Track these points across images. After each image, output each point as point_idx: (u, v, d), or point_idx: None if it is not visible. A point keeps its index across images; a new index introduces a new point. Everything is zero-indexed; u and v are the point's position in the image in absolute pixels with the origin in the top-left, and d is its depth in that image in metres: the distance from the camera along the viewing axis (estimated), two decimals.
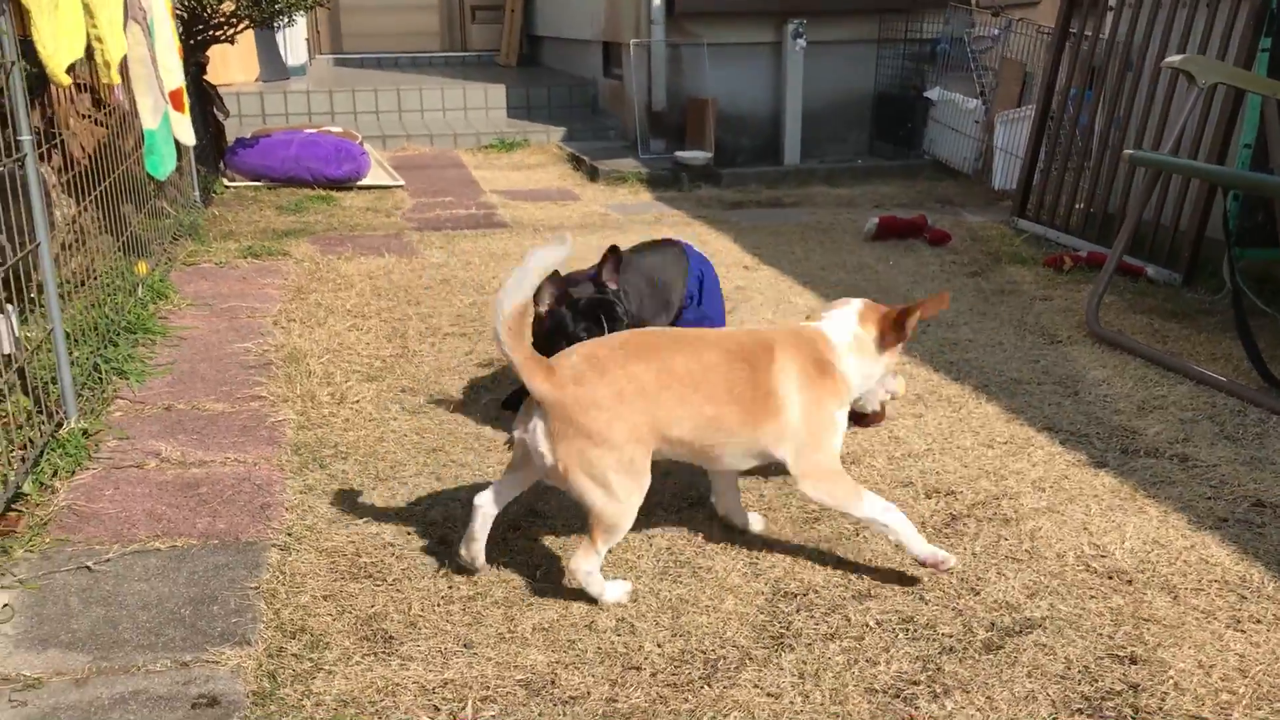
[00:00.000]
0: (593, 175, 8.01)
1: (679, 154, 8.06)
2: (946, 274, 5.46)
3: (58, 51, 3.29)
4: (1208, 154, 5.20)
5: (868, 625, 2.46)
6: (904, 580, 2.65)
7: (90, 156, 4.32)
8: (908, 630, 2.44)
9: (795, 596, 2.57)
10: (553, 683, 2.23)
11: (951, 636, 2.42)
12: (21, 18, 3.17)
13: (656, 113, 8.46)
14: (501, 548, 2.74)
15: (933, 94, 8.24)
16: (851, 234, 6.31)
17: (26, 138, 3.17)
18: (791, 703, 2.18)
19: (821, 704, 2.18)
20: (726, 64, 8.43)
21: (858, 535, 2.85)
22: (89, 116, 4.68)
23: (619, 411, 2.39)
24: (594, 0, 9.53)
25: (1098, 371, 4.09)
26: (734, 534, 2.85)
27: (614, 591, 2.51)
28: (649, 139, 8.45)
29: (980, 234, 6.31)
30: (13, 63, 3.09)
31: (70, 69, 3.41)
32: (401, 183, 7.60)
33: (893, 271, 5.50)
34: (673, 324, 3.57)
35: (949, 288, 5.19)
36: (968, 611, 2.52)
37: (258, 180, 7.34)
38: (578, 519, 2.71)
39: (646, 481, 2.47)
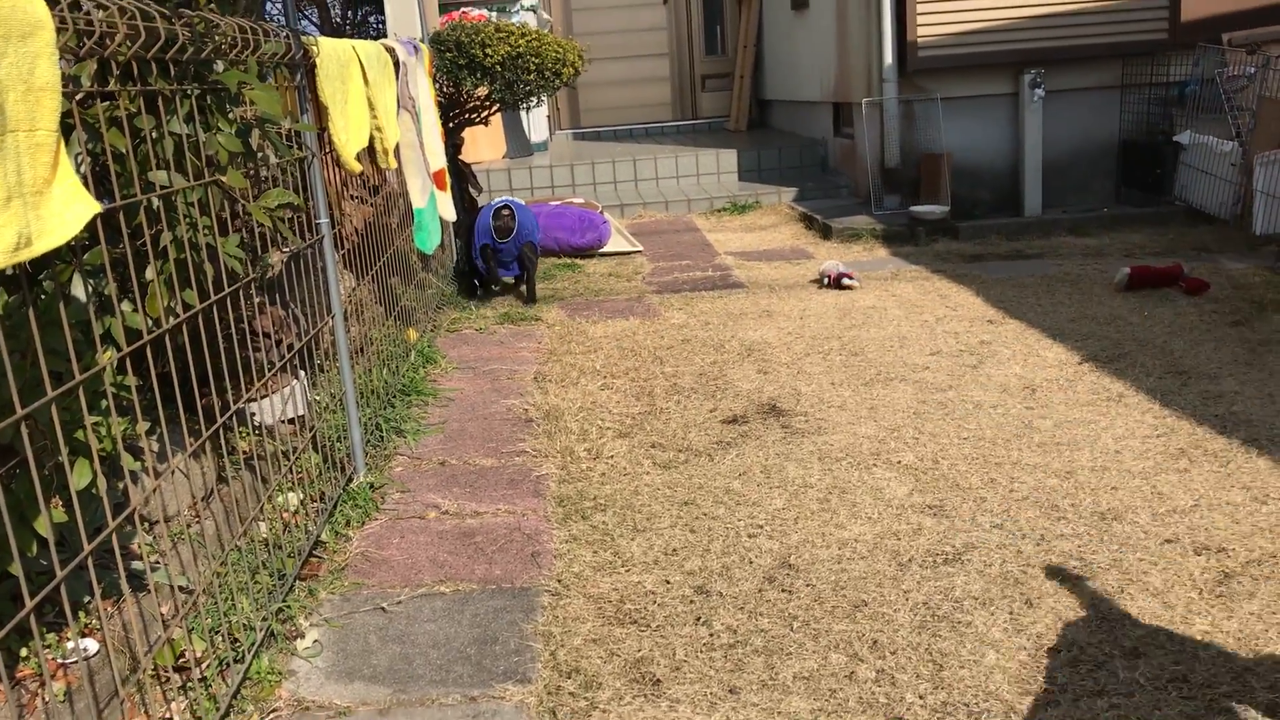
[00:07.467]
0: (826, 233, 8.07)
1: (914, 209, 8.02)
2: (1206, 324, 5.22)
3: (349, 142, 3.66)
4: None
5: (1137, 682, 2.40)
6: (1174, 639, 2.57)
7: (359, 234, 4.74)
8: (1180, 689, 2.37)
9: (1059, 652, 2.54)
10: None
11: (1229, 697, 2.33)
12: (319, 115, 3.56)
13: (890, 169, 8.47)
14: (758, 599, 2.83)
15: (1183, 138, 7.90)
16: (1101, 285, 6.12)
17: (324, 221, 3.54)
18: None
19: None
20: (960, 117, 8.37)
21: (1123, 592, 2.79)
22: (358, 198, 5.15)
23: None
24: (823, 63, 9.67)
25: None
26: (993, 590, 2.83)
27: None
28: (883, 195, 8.46)
29: (1241, 281, 5.99)
30: (313, 155, 3.47)
31: (357, 157, 3.79)
32: (640, 248, 7.90)
33: (1148, 322, 5.31)
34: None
35: (1210, 338, 4.97)
36: (1247, 673, 2.42)
37: None
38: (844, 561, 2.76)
39: None
